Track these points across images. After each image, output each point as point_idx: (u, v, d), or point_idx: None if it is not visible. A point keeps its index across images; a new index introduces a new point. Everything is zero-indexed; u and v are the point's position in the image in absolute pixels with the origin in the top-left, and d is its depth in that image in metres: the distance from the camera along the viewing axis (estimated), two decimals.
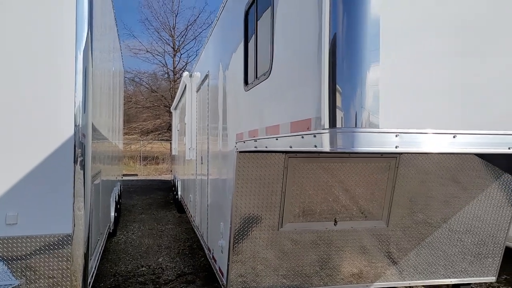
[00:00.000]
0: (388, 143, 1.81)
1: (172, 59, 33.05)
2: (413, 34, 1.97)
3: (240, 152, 3.74)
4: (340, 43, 1.85)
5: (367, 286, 4.70)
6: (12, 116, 3.93)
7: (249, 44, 3.43)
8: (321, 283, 4.58)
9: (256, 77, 3.15)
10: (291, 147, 2.32)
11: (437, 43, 1.99)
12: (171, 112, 17.95)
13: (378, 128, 1.80)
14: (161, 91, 32.74)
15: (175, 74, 31.33)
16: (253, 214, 4.08)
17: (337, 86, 1.85)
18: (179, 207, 11.62)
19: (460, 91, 2.01)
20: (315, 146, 1.98)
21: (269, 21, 2.81)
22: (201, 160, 6.67)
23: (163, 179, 22.44)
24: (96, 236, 4.99)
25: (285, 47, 2.56)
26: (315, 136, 1.98)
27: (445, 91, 1.95)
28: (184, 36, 32.29)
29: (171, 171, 20.50)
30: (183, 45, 32.36)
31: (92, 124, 4.39)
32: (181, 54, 32.72)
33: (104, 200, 6.18)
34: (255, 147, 3.13)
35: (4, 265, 3.91)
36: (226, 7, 4.52)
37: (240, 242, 4.21)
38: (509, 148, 1.96)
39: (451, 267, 4.89)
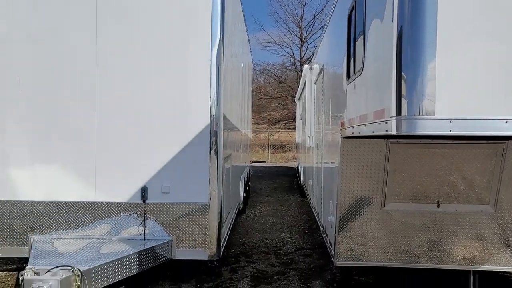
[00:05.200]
0: (444, 128, 2.20)
1: (299, 50, 33.97)
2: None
3: (344, 138, 4.25)
4: (405, 45, 2.30)
5: (476, 268, 4.79)
6: (160, 110, 5.03)
7: (350, 43, 3.92)
8: (429, 263, 4.83)
9: (354, 73, 3.65)
10: (373, 132, 2.79)
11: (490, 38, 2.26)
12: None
13: (434, 115, 2.20)
14: (288, 81, 33.96)
15: (302, 65, 32.14)
16: (357, 194, 4.55)
17: (402, 81, 2.29)
18: (302, 192, 12.42)
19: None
20: (386, 131, 2.44)
21: (362, 26, 3.29)
22: (317, 147, 7.28)
23: (288, 166, 23.62)
24: (227, 209, 5.98)
25: (371, 48, 3.02)
26: (386, 123, 2.45)
27: (496, 82, 2.23)
28: (311, 26, 32.88)
29: (295, 158, 21.53)
30: (310, 35, 33.02)
31: (224, 115, 5.31)
32: (307, 44, 33.43)
33: (234, 181, 7.21)
34: (352, 133, 3.63)
35: (159, 226, 5.09)
36: (336, 8, 5.02)
37: (346, 219, 4.72)
38: None
39: None
